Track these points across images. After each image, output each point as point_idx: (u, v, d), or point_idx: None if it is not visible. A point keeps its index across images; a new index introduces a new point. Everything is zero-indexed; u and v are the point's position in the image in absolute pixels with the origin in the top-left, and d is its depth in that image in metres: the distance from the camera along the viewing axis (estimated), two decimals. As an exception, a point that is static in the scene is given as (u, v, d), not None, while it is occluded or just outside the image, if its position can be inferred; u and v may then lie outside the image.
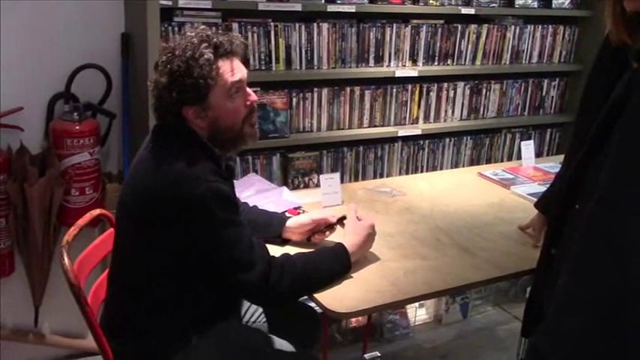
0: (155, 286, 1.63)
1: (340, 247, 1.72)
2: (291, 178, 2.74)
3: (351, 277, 1.70)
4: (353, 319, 2.85)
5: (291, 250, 1.77)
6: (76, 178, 2.33)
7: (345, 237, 1.77)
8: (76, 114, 2.30)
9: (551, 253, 1.27)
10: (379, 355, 1.30)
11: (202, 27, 1.59)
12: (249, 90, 1.64)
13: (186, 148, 1.56)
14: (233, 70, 1.57)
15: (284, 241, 1.88)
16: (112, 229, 1.91)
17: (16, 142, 2.33)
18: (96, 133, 2.36)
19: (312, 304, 2.05)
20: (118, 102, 2.47)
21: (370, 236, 1.79)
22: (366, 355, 1.27)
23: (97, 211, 1.90)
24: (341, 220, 1.85)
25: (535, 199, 2.26)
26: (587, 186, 1.06)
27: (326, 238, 1.88)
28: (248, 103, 1.63)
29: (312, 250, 1.76)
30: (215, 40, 1.54)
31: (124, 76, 2.43)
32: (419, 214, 2.21)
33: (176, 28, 2.34)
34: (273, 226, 1.89)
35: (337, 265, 1.69)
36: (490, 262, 1.86)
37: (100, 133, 2.42)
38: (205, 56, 1.51)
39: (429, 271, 1.79)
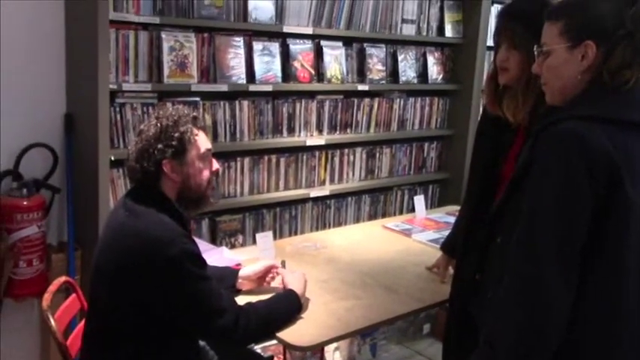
0: (130, 340, 1.82)
1: (291, 292, 2.03)
2: (219, 239, 3.01)
3: (302, 318, 2.01)
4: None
5: (244, 298, 2.04)
6: (24, 250, 2.44)
7: (289, 285, 2.08)
8: (25, 190, 2.44)
9: (476, 278, 1.66)
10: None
11: (176, 107, 1.91)
12: (213, 159, 1.95)
13: (159, 213, 1.81)
14: (206, 140, 1.91)
15: (237, 291, 2.16)
16: (74, 295, 2.10)
17: (-39, 218, 2.41)
18: (43, 207, 2.50)
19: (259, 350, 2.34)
20: (60, 177, 2.63)
21: (306, 282, 2.13)
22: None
23: (62, 279, 2.08)
24: (282, 265, 2.19)
25: (433, 245, 2.72)
26: (506, 225, 1.47)
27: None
28: (214, 169, 1.95)
29: (267, 297, 2.06)
30: (192, 114, 1.89)
31: (67, 153, 2.61)
32: (342, 262, 2.57)
33: (118, 108, 2.59)
34: (226, 277, 2.16)
35: (291, 307, 2.00)
36: (410, 295, 2.25)
37: (46, 207, 2.56)
38: (189, 124, 1.84)
39: (364, 307, 2.14)
